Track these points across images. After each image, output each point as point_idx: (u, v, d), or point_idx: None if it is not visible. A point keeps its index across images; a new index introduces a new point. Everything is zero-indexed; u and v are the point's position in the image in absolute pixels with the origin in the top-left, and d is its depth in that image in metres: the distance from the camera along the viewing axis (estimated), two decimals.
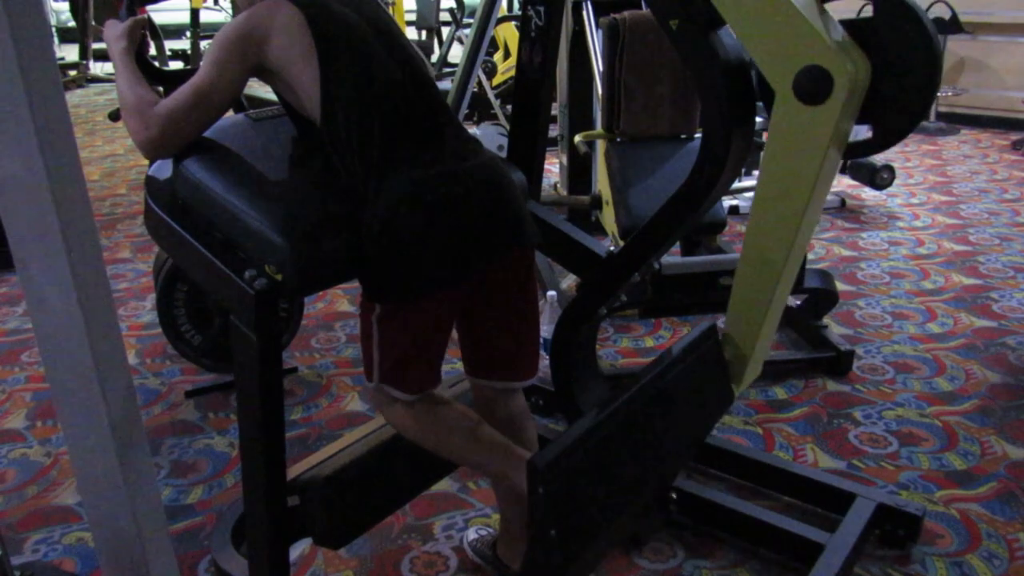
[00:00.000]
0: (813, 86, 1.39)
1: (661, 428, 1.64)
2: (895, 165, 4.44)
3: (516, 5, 7.67)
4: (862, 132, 1.63)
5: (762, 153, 1.56)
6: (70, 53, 9.60)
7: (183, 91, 1.40)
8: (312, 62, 1.40)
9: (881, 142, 1.56)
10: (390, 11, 6.75)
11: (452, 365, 2.55)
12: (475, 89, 3.70)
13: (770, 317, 1.73)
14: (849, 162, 4.44)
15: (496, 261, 1.50)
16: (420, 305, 1.47)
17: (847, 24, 1.48)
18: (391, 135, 1.42)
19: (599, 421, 1.47)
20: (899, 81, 1.47)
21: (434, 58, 7.79)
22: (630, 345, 2.98)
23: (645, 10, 2.91)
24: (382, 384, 1.53)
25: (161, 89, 1.65)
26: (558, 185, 4.29)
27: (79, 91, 8.85)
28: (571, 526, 1.40)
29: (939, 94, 6.27)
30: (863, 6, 1.52)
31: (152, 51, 6.31)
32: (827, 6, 1.49)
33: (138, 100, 1.41)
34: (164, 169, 1.50)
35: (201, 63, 1.43)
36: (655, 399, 1.62)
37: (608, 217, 3.01)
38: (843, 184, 4.77)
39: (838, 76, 1.37)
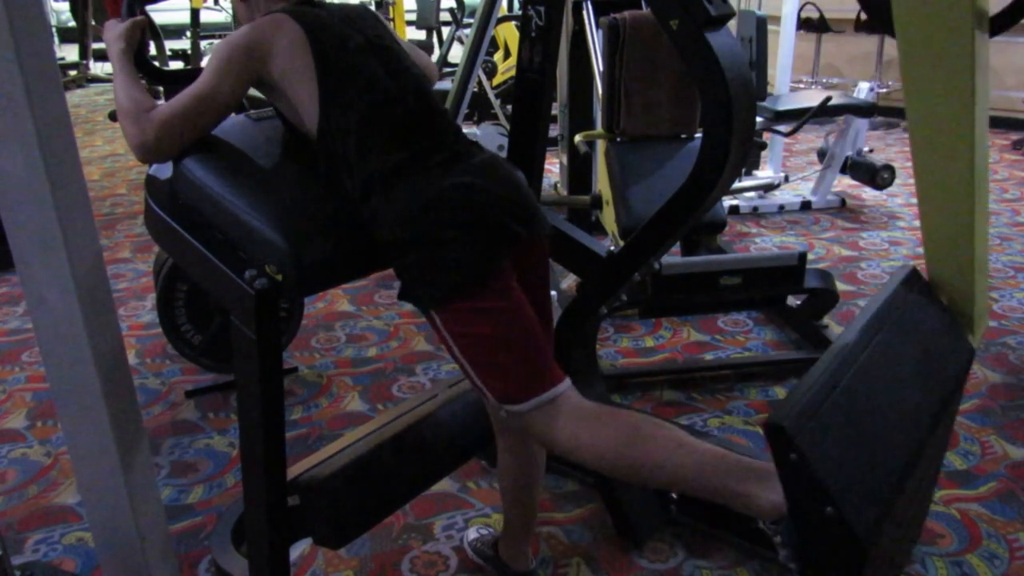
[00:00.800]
0: None
1: (897, 383, 1.34)
2: (895, 165, 4.44)
3: (516, 5, 7.67)
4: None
5: (900, 72, 1.36)
6: (70, 53, 9.61)
7: (182, 98, 1.40)
8: (311, 81, 1.40)
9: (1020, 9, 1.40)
10: (390, 11, 6.77)
11: (453, 365, 2.55)
12: (475, 89, 3.70)
13: (979, 245, 1.45)
14: (850, 162, 4.45)
15: (518, 243, 1.45)
16: (469, 300, 1.38)
17: None
18: (388, 155, 1.41)
19: (837, 366, 1.21)
20: None
21: (434, 58, 7.80)
22: (630, 345, 2.98)
23: (645, 10, 2.91)
24: (504, 407, 1.37)
25: (161, 89, 1.65)
26: (558, 185, 4.29)
27: (79, 91, 8.85)
28: (844, 494, 1.09)
29: None
30: None
31: (152, 51, 6.31)
32: None
33: (134, 104, 1.40)
34: (164, 169, 1.50)
35: (203, 72, 1.43)
36: (879, 351, 1.31)
37: (608, 217, 3.01)
38: (843, 184, 4.77)
39: None
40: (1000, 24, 1.44)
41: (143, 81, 1.50)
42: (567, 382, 1.41)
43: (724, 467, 1.26)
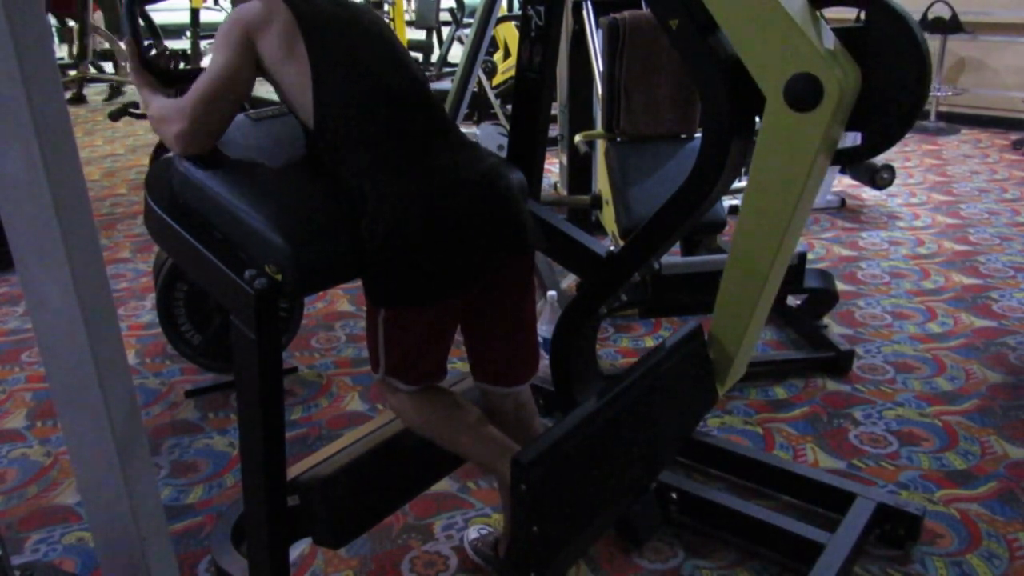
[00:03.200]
0: (804, 94, 1.40)
1: (646, 426, 1.66)
2: (895, 165, 4.44)
3: (516, 5, 7.67)
4: (851, 139, 1.64)
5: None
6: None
7: (199, 83, 1.43)
8: (303, 64, 1.41)
9: (871, 149, 1.58)
10: (390, 11, 6.77)
11: (453, 365, 2.55)
12: (475, 89, 3.70)
13: (755, 319, 1.75)
14: None
15: (498, 269, 1.50)
16: (423, 311, 1.48)
17: (840, 32, 1.49)
18: (384, 142, 1.42)
19: (584, 418, 1.49)
20: (889, 88, 1.48)
21: (434, 58, 7.79)
22: (630, 345, 2.98)
23: (645, 10, 2.91)
24: (387, 376, 1.56)
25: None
26: (558, 185, 4.29)
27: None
28: (553, 523, 1.41)
29: (939, 94, 6.28)
30: (858, 14, 1.53)
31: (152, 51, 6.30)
32: (826, 13, 1.49)
33: (160, 108, 1.46)
34: (164, 169, 1.50)
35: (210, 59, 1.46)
36: (640, 397, 1.64)
37: (608, 217, 3.01)
38: (843, 184, 4.77)
39: (828, 84, 1.37)
40: (844, 159, 1.60)
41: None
42: (427, 384, 1.60)
43: (497, 449, 1.56)
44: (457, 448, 1.62)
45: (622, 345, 2.98)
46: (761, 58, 1.44)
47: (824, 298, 2.83)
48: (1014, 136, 6.01)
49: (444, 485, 2.14)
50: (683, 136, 2.93)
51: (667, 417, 1.74)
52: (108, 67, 8.99)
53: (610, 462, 1.57)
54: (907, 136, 6.23)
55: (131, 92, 8.04)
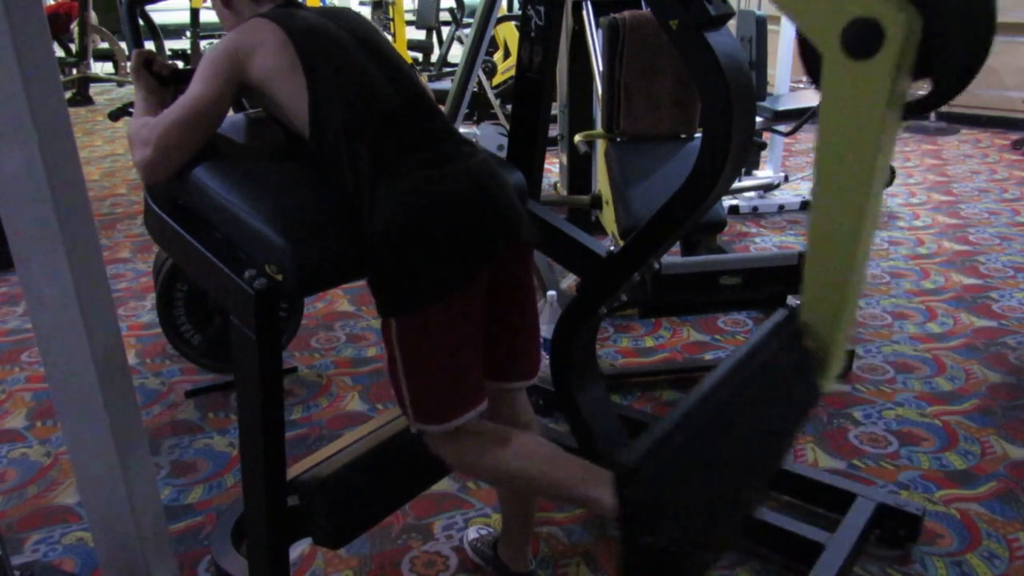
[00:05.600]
0: (864, 38, 1.31)
1: (755, 418, 1.48)
2: (895, 165, 4.44)
3: (516, 5, 7.67)
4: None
5: (816, 124, 1.46)
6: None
7: (172, 109, 1.42)
8: (298, 77, 1.41)
9: (941, 95, 1.46)
10: (390, 11, 6.77)
11: None
12: (475, 89, 3.69)
13: (850, 303, 1.59)
14: None
15: (496, 261, 1.49)
16: (432, 313, 1.43)
17: None
18: (381, 146, 1.42)
19: (685, 412, 1.34)
20: (953, 28, 1.38)
21: (434, 58, 7.79)
22: (630, 345, 2.98)
23: (645, 10, 2.91)
24: (418, 425, 1.48)
25: None
26: (558, 185, 4.29)
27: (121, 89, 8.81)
28: (669, 532, 1.25)
29: None
30: None
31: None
32: None
33: (138, 128, 1.45)
34: None
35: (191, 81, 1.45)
36: (742, 388, 1.46)
37: (608, 217, 3.01)
38: None
39: (889, 25, 1.28)
40: (913, 111, 1.51)
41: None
42: (482, 405, 1.49)
43: (577, 470, 1.42)
44: (525, 482, 1.49)
45: (622, 345, 2.98)
46: (813, 8, 1.36)
47: None
48: (1014, 136, 6.02)
49: (444, 485, 2.14)
50: (683, 136, 2.93)
51: (773, 411, 1.56)
52: (108, 67, 8.99)
53: (722, 458, 1.39)
54: (906, 136, 6.23)
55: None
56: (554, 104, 2.90)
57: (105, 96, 8.61)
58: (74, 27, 8.20)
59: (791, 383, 1.62)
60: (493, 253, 1.45)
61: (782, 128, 4.11)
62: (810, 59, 1.44)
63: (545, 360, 2.10)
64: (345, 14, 1.57)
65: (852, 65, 1.34)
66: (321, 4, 6.19)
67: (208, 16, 7.23)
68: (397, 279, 1.40)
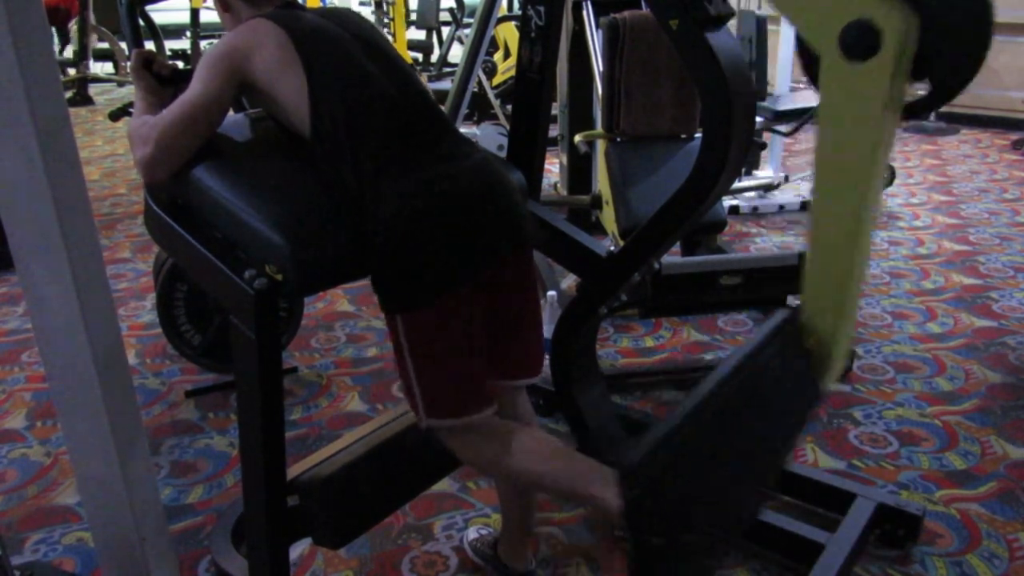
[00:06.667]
0: (861, 40, 1.32)
1: (756, 419, 1.49)
2: (895, 165, 4.44)
3: (516, 5, 7.67)
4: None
5: (815, 127, 1.47)
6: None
7: (172, 108, 1.42)
8: (298, 76, 1.40)
9: (939, 96, 1.47)
10: (390, 11, 6.77)
11: None
12: (475, 89, 3.69)
13: (850, 303, 1.60)
14: None
15: (497, 261, 1.49)
16: (437, 309, 1.42)
17: None
18: (383, 144, 1.42)
19: (688, 412, 1.34)
20: (951, 29, 1.39)
21: (434, 58, 7.79)
22: (630, 345, 2.98)
23: (645, 10, 2.91)
24: (429, 421, 1.47)
25: None
26: (558, 185, 4.29)
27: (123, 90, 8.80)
28: (676, 532, 1.25)
29: None
30: None
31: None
32: None
33: (136, 127, 1.45)
34: None
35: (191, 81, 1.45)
36: (742, 389, 1.46)
37: (608, 217, 3.01)
38: None
39: (886, 27, 1.30)
40: (912, 111, 1.52)
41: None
42: (474, 417, 1.48)
43: (585, 469, 1.40)
44: (534, 479, 1.49)
45: (622, 345, 2.98)
46: (811, 11, 1.37)
47: None
48: (1014, 136, 6.02)
49: (444, 485, 2.14)
50: (683, 136, 2.93)
51: (775, 412, 1.57)
52: (108, 67, 8.99)
53: (725, 458, 1.39)
54: (906, 136, 6.21)
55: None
56: (554, 104, 2.90)
57: (105, 96, 8.61)
58: (73, 26, 8.20)
59: (792, 383, 1.62)
60: (497, 252, 1.45)
61: (782, 128, 4.11)
62: (809, 61, 1.44)
63: (545, 360, 2.10)
64: (345, 14, 1.58)
65: (850, 67, 1.36)
66: (321, 4, 6.20)
67: (208, 16, 7.23)
68: (401, 276, 1.40)
